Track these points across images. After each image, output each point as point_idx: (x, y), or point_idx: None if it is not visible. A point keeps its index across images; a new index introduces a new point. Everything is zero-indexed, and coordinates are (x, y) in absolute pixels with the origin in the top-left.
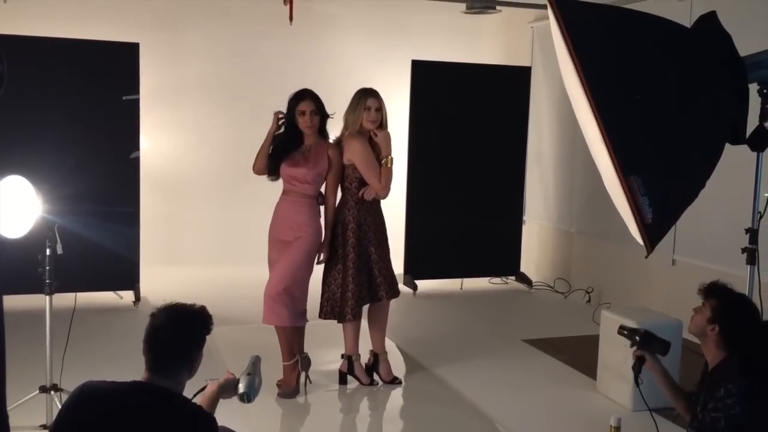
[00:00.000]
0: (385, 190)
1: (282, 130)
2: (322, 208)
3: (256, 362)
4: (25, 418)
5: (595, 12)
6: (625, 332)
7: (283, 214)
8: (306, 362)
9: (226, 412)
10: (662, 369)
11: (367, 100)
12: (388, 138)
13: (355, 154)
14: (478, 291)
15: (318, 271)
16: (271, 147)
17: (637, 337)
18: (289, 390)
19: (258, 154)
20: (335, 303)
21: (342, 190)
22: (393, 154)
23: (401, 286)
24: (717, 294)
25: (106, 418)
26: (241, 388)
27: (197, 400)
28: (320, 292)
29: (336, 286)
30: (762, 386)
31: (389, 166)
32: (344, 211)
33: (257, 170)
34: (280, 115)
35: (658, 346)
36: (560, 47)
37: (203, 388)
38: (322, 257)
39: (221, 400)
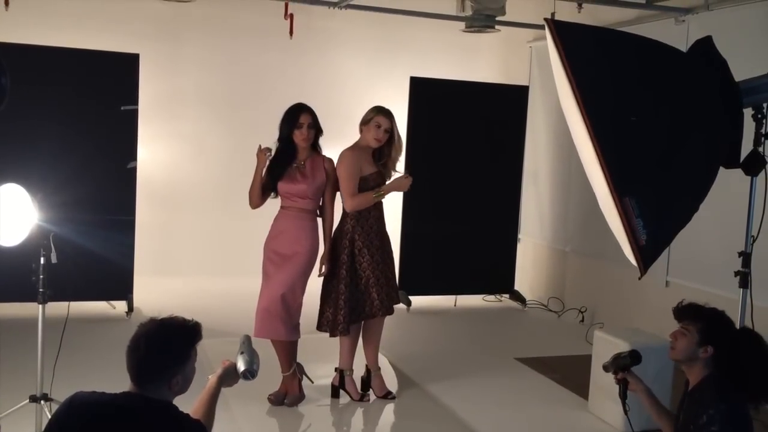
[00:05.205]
0: (349, 206)
1: (267, 164)
2: (319, 220)
3: (246, 341)
4: (15, 428)
5: (592, 34)
6: (609, 371)
7: (283, 227)
8: (300, 367)
9: (215, 425)
10: (645, 389)
11: (378, 117)
12: (394, 183)
13: (340, 165)
14: (471, 308)
15: (313, 285)
16: (266, 165)
17: (612, 368)
18: (294, 398)
19: (251, 191)
20: (330, 317)
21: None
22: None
23: None
24: (702, 316)
25: (95, 428)
26: (241, 367)
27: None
28: (318, 305)
29: (333, 300)
30: (741, 403)
31: (373, 196)
32: (341, 226)
33: (254, 206)
34: (268, 153)
35: (630, 360)
36: (557, 68)
37: None
38: (323, 270)
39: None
